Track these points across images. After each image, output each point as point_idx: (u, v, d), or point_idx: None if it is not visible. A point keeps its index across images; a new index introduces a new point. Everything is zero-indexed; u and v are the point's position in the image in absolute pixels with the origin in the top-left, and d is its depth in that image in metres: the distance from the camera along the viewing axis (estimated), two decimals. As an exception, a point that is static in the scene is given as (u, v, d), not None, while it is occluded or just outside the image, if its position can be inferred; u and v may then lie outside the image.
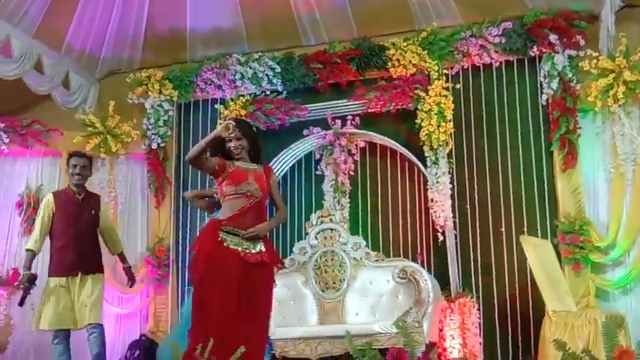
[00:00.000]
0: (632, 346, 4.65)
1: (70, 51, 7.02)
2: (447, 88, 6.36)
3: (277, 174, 6.80)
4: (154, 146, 7.04)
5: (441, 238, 6.12)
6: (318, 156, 6.84)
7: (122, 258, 5.55)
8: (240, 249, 3.97)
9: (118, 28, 7.03)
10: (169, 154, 7.12)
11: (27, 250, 5.18)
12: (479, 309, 5.91)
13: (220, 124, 6.42)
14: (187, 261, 6.87)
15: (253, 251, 4.02)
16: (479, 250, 6.19)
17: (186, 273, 6.85)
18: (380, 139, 6.56)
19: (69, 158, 5.36)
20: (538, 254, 5.58)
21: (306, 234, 6.25)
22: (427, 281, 5.45)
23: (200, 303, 3.86)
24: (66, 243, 5.15)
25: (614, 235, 5.72)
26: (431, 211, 6.21)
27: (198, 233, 4.11)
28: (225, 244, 3.94)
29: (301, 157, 6.92)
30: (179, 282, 6.89)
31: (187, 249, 6.87)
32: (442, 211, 6.13)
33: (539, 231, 6.05)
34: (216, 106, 7.03)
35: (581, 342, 4.83)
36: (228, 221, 4.00)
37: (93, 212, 5.29)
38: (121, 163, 7.10)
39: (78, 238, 5.12)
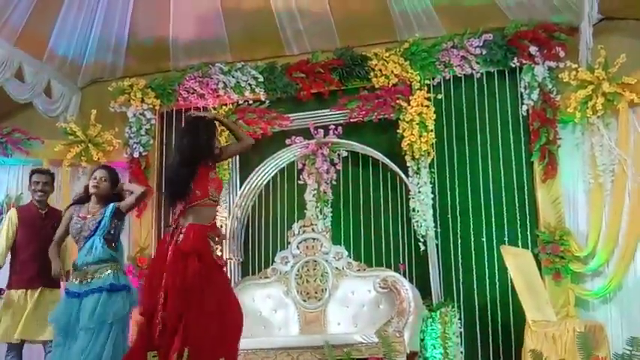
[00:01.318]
0: (610, 356, 4.70)
1: (52, 59, 6.99)
2: (428, 99, 6.40)
3: (260, 183, 6.83)
4: (136, 155, 7.01)
5: (422, 247, 6.13)
6: (300, 165, 6.84)
7: None
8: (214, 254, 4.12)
9: (100, 37, 7.01)
10: (151, 162, 7.08)
11: None
12: (460, 318, 5.93)
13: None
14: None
15: (218, 254, 4.20)
16: (460, 260, 6.22)
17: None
18: (362, 148, 6.58)
19: (31, 175, 5.51)
20: (518, 264, 5.61)
21: (288, 243, 6.25)
22: (408, 291, 5.46)
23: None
24: (28, 257, 5.24)
25: (593, 245, 5.78)
26: (413, 220, 6.23)
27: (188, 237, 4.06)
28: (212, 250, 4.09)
29: (284, 167, 6.92)
30: (160, 291, 6.83)
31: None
32: (424, 220, 6.16)
33: (519, 241, 6.09)
34: (198, 115, 7.01)
35: (561, 352, 4.84)
36: (211, 229, 4.10)
37: (55, 227, 5.16)
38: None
39: (40, 253, 5.07)
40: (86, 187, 4.83)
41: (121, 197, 4.83)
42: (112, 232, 4.69)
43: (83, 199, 4.81)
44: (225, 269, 4.24)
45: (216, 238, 4.14)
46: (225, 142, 5.76)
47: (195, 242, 3.97)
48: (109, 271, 4.56)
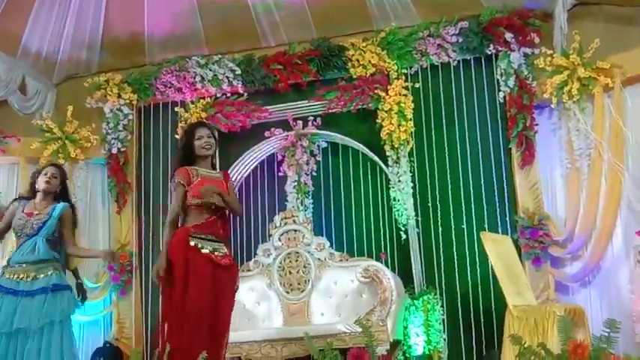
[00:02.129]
0: (590, 338, 4.76)
1: (26, 55, 6.91)
2: (406, 88, 6.42)
3: (240, 176, 6.82)
4: (114, 151, 6.96)
5: (403, 236, 6.17)
6: (280, 157, 6.84)
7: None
8: (210, 252, 4.20)
9: (74, 32, 6.93)
10: (130, 158, 7.03)
11: None
12: (442, 305, 5.98)
13: (182, 127, 6.51)
14: (151, 266, 6.81)
15: (221, 254, 4.27)
16: (441, 247, 6.25)
17: (150, 278, 6.78)
18: (341, 139, 6.59)
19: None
20: (498, 250, 5.65)
21: (270, 236, 6.25)
22: (390, 280, 5.49)
23: (176, 302, 4.04)
24: None
25: (571, 229, 5.83)
26: (393, 209, 6.27)
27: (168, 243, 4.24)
28: (198, 248, 4.17)
29: (263, 159, 6.91)
30: (143, 287, 6.82)
31: (151, 254, 6.82)
32: (404, 209, 6.19)
33: (499, 227, 6.14)
34: (176, 109, 6.97)
35: (542, 336, 4.89)
36: (195, 228, 4.23)
37: None
38: (80, 168, 7.00)
39: None
40: (32, 183, 4.81)
41: (66, 196, 4.88)
42: (56, 234, 4.70)
43: (28, 194, 4.82)
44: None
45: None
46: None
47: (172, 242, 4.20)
48: (52, 271, 4.58)
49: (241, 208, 5.02)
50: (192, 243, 4.17)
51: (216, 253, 4.24)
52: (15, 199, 4.89)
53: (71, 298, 4.61)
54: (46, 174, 4.77)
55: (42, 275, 4.53)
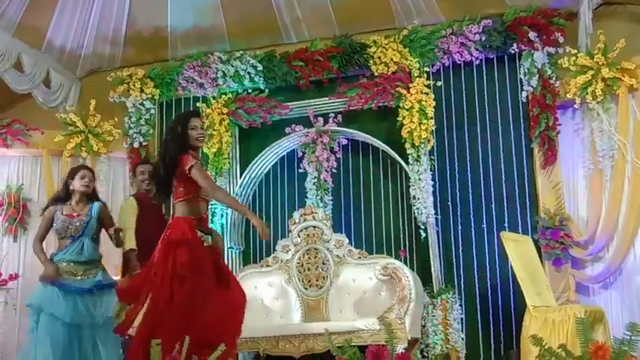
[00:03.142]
0: (610, 340, 4.72)
1: (51, 49, 6.97)
2: (428, 86, 6.39)
3: (260, 172, 6.85)
4: (136, 145, 7.01)
5: (423, 234, 6.15)
6: (300, 154, 6.85)
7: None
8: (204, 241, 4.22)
9: (98, 26, 6.99)
10: (151, 152, 7.08)
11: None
12: (461, 305, 5.96)
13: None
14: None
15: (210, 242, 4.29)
16: (461, 247, 6.24)
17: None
18: (362, 136, 6.58)
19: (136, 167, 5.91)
20: (518, 250, 5.62)
21: (289, 232, 6.26)
22: (409, 278, 5.47)
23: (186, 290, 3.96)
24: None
25: (593, 231, 5.79)
26: (413, 208, 6.24)
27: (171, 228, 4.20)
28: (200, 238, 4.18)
29: (284, 155, 6.93)
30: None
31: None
32: (424, 207, 6.16)
33: (519, 227, 6.11)
34: (198, 104, 7.01)
35: (561, 337, 4.86)
36: (198, 222, 4.18)
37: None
38: (102, 162, 7.05)
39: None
40: (65, 185, 5.00)
41: (97, 195, 5.12)
42: (98, 233, 4.98)
43: (62, 197, 4.99)
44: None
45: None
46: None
47: (184, 232, 4.07)
48: (99, 271, 4.87)
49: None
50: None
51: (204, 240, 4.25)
52: (49, 204, 5.03)
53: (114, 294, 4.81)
54: (83, 177, 4.98)
55: (91, 275, 4.82)
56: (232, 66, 6.92)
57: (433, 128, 6.32)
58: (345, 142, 6.76)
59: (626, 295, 5.67)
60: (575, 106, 5.96)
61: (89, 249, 4.84)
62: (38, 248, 4.90)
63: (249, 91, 6.93)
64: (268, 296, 6.09)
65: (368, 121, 6.67)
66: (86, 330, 4.68)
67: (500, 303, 6.03)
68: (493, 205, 6.22)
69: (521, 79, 6.24)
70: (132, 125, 7.04)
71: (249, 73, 6.89)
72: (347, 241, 6.10)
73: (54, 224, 4.89)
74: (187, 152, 4.16)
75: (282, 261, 6.16)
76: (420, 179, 6.22)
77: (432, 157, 6.34)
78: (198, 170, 4.11)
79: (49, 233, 5.00)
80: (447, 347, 5.70)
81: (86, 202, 4.99)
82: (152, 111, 7.12)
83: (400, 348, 4.97)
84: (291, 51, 6.86)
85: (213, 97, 6.96)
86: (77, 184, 4.95)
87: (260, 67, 6.87)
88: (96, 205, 5.00)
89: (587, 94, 5.84)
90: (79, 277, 4.77)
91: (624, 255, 5.64)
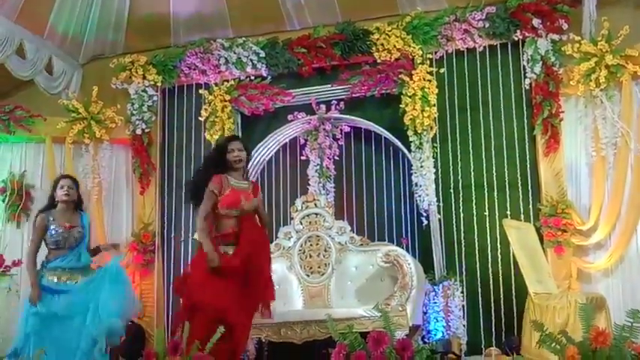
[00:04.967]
0: (611, 327, 4.74)
1: (53, 35, 6.96)
2: (431, 73, 6.37)
3: (262, 159, 6.85)
4: (139, 132, 7.01)
5: (425, 222, 6.16)
6: (302, 141, 6.85)
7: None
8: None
9: (100, 13, 6.98)
10: (154, 139, 7.09)
11: None
12: (462, 292, 5.97)
13: (205, 109, 6.58)
14: (173, 246, 6.90)
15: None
16: (462, 234, 6.23)
17: (172, 259, 6.88)
18: (364, 123, 6.57)
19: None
20: (520, 237, 5.63)
21: (291, 219, 6.27)
22: (411, 265, 5.48)
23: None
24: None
25: (595, 219, 5.79)
26: (415, 195, 6.24)
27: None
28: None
29: (286, 142, 6.93)
30: (165, 267, 6.90)
31: (172, 234, 6.92)
32: (426, 195, 6.17)
33: (521, 214, 6.10)
34: (200, 91, 7.00)
35: (562, 323, 4.88)
36: (223, 237, 4.60)
37: None
38: (104, 148, 7.05)
39: None
40: (51, 197, 5.12)
41: (82, 203, 5.25)
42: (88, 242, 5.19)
43: (49, 206, 5.10)
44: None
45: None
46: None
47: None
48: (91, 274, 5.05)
49: (269, 220, 5.41)
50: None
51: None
52: (39, 214, 5.10)
53: None
54: (62, 187, 5.07)
55: (85, 278, 4.98)
56: (235, 53, 6.90)
57: (436, 115, 6.31)
58: (347, 129, 6.75)
59: (627, 282, 5.68)
60: (579, 93, 5.94)
61: (85, 257, 5.05)
62: (31, 266, 4.92)
63: (252, 78, 6.92)
64: (270, 283, 6.10)
65: (370, 108, 6.66)
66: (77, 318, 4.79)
67: (501, 290, 6.03)
68: (495, 193, 6.21)
69: (524, 66, 6.22)
70: (134, 112, 7.04)
71: (251, 59, 6.88)
72: (349, 228, 6.12)
73: (47, 234, 4.96)
74: (219, 174, 4.64)
75: (284, 248, 6.17)
76: (422, 166, 6.22)
77: (435, 145, 6.33)
78: (205, 196, 4.61)
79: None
80: (448, 334, 5.71)
81: (73, 209, 5.11)
82: (154, 97, 7.11)
83: (401, 334, 4.98)
84: (293, 38, 6.84)
85: (216, 84, 6.95)
86: (59, 194, 5.06)
87: (262, 54, 6.85)
88: (85, 215, 5.19)
89: (591, 81, 5.83)
90: (76, 282, 4.93)
91: (626, 243, 5.65)
